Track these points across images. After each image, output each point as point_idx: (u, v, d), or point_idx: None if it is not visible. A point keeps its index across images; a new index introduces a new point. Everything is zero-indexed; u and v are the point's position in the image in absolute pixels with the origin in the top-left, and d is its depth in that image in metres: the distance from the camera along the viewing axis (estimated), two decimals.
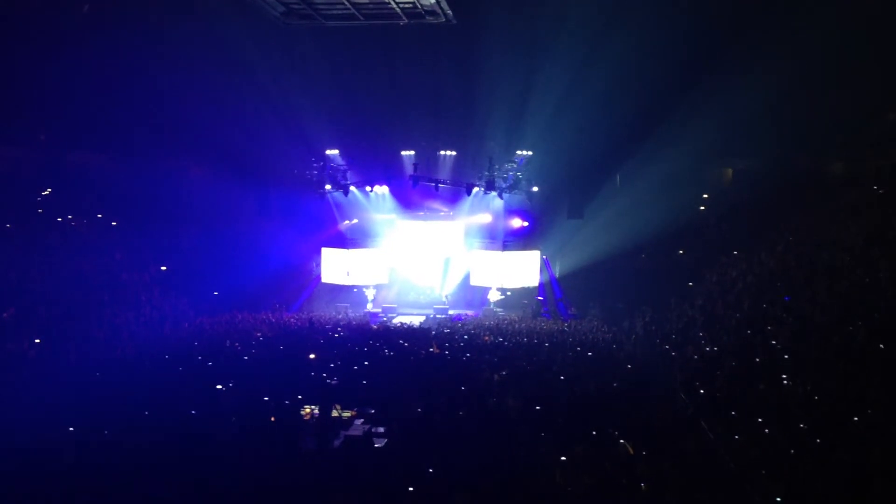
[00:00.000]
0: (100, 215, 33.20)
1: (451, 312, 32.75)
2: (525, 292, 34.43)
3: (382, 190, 36.18)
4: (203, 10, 26.34)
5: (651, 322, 25.20)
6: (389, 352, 22.06)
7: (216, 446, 13.01)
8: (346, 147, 35.56)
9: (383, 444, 14.00)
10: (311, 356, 21.06)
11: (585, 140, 31.51)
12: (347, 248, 34.16)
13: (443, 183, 33.88)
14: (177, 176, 35.41)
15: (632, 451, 12.30)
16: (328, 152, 34.98)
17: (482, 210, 35.92)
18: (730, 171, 36.09)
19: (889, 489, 10.27)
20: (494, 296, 34.56)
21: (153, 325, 25.60)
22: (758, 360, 17.35)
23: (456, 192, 35.04)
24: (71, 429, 13.49)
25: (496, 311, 33.40)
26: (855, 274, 20.47)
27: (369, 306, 34.40)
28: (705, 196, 35.08)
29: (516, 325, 28.11)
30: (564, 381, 17.78)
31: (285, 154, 34.68)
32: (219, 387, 17.27)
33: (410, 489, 11.16)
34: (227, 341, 23.47)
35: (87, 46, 26.52)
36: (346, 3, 24.25)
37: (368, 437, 14.37)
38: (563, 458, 11.92)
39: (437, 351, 22.07)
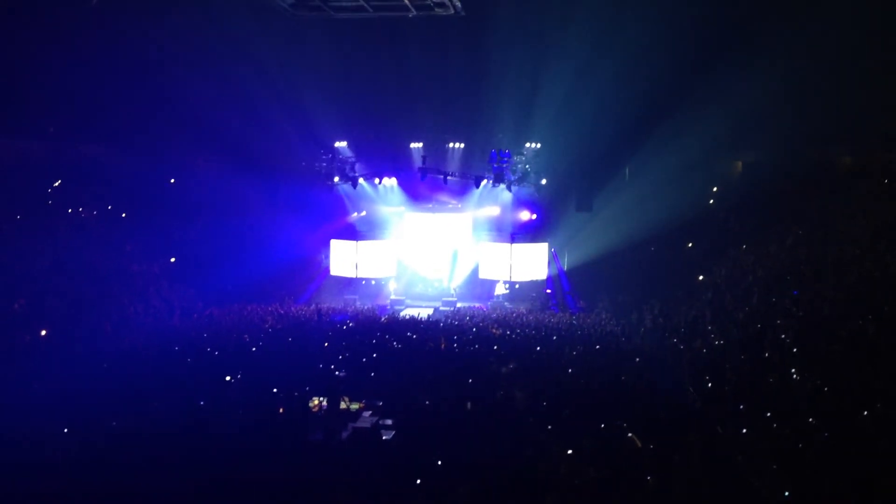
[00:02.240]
0: (109, 207, 33.31)
1: (459, 305, 32.79)
2: (533, 285, 34.42)
3: (391, 182, 36.18)
4: (213, 2, 26.37)
5: (659, 315, 25.17)
6: (397, 344, 22.10)
7: (224, 437, 13.06)
8: (355, 139, 35.59)
9: (391, 436, 14.04)
10: (326, 344, 21.20)
11: (594, 132, 31.46)
12: (356, 241, 34.21)
13: (451, 175, 33.88)
14: (186, 168, 35.52)
15: (639, 445, 12.30)
16: (337, 144, 35.01)
17: (490, 202, 35.92)
18: (739, 163, 35.98)
19: None
20: (500, 289, 34.58)
21: (162, 317, 25.73)
22: (766, 353, 17.33)
23: (464, 184, 35.02)
24: (79, 420, 13.55)
25: (504, 304, 33.40)
26: (864, 267, 20.42)
27: (393, 295, 34.59)
28: (714, 189, 34.99)
29: (524, 318, 28.11)
30: (572, 373, 17.80)
31: (294, 146, 34.70)
32: (227, 378, 17.35)
33: (418, 481, 11.20)
34: (236, 333, 23.56)
35: (95, 38, 26.58)
36: None
37: (376, 429, 14.40)
38: (569, 451, 11.94)
39: (445, 345, 22.10)
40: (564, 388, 16.38)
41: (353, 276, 34.28)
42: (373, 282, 36.00)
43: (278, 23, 27.57)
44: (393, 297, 34.59)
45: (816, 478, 10.75)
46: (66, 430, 13.12)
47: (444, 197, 36.65)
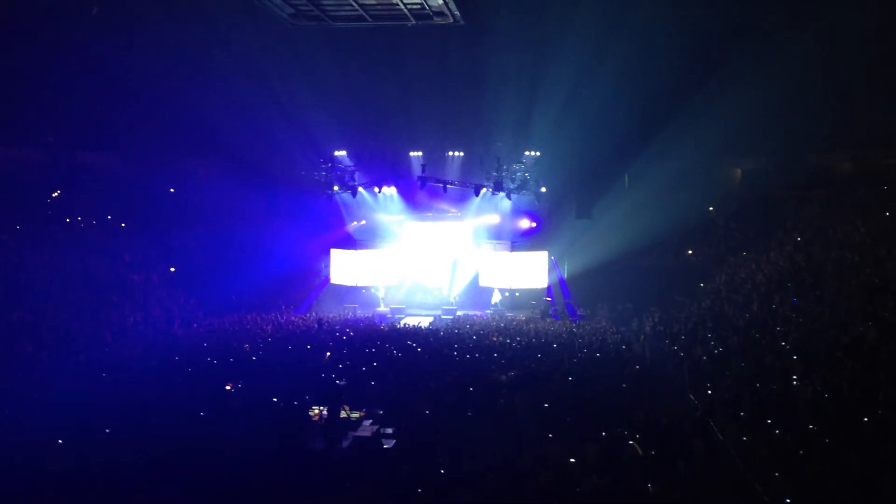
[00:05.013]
0: (109, 216, 33.33)
1: (459, 313, 32.75)
2: (533, 293, 34.38)
3: (390, 191, 36.19)
4: (212, 12, 26.43)
5: (659, 322, 25.16)
6: (398, 352, 22.07)
7: (225, 447, 13.04)
8: (354, 148, 35.61)
9: (392, 444, 14.01)
10: (328, 354, 21.16)
11: (593, 140, 31.50)
12: (356, 249, 34.19)
13: (451, 184, 33.89)
14: (185, 177, 35.60)
15: (640, 452, 12.28)
16: (336, 153, 35.03)
17: (490, 211, 35.91)
18: (738, 170, 36.04)
19: None
20: (497, 297, 34.55)
21: (162, 326, 25.69)
22: (766, 360, 17.32)
23: (464, 192, 35.03)
24: (79, 429, 13.52)
25: (505, 313, 33.36)
26: (863, 273, 20.42)
27: (382, 306, 34.51)
28: (714, 196, 34.99)
29: (524, 326, 28.07)
30: (573, 381, 17.77)
31: (293, 155, 34.77)
32: (227, 387, 17.33)
33: (419, 490, 11.17)
34: (236, 342, 23.53)
35: (96, 48, 26.65)
36: (354, 4, 24.29)
37: (377, 437, 14.39)
38: (571, 460, 11.92)
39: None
40: (565, 395, 16.36)
41: (354, 284, 34.28)
42: (373, 290, 35.95)
43: (278, 32, 27.63)
44: (383, 306, 34.53)
45: (818, 484, 10.73)
46: (66, 440, 13.08)
47: (443, 205, 36.64)
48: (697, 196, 33.73)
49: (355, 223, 37.17)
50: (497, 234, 35.85)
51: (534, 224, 35.97)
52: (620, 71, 27.95)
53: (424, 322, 30.76)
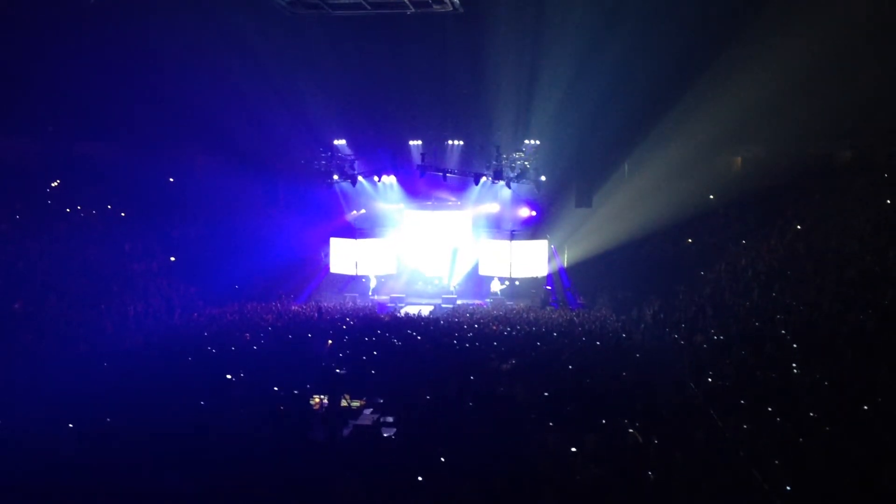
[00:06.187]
0: (109, 206, 33.31)
1: (459, 302, 32.78)
2: (533, 282, 34.40)
3: (390, 180, 36.17)
4: (210, 0, 26.36)
5: (659, 311, 25.15)
6: (398, 341, 22.08)
7: (225, 436, 13.04)
8: (354, 137, 35.56)
9: (392, 433, 14.02)
10: (329, 342, 21.19)
11: (593, 129, 31.46)
12: (355, 238, 34.19)
13: (450, 172, 33.86)
14: (185, 166, 35.56)
15: (640, 440, 12.30)
16: (336, 142, 34.99)
17: (490, 199, 35.91)
18: (738, 159, 35.96)
19: None
20: (496, 286, 34.56)
21: (162, 316, 25.70)
22: (767, 348, 17.32)
23: (464, 181, 35.03)
24: (80, 420, 13.52)
25: (505, 301, 33.38)
26: (864, 262, 20.40)
27: (373, 296, 34.53)
28: (714, 184, 34.92)
29: (524, 315, 28.09)
30: (573, 370, 17.79)
31: (293, 144, 34.74)
32: (228, 377, 17.33)
33: (419, 478, 11.18)
34: (237, 331, 23.53)
35: (93, 37, 26.56)
36: None
37: (377, 426, 14.39)
38: (572, 448, 11.92)
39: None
40: (565, 384, 16.37)
41: (353, 273, 34.30)
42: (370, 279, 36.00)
43: (276, 21, 27.52)
44: (373, 296, 34.56)
45: (818, 472, 10.75)
46: (66, 430, 13.09)
47: (443, 194, 36.66)
48: (697, 185, 33.67)
49: (355, 212, 37.17)
50: (497, 223, 35.87)
51: (534, 213, 35.98)
52: (621, 59, 27.84)
53: (424, 311, 30.79)
